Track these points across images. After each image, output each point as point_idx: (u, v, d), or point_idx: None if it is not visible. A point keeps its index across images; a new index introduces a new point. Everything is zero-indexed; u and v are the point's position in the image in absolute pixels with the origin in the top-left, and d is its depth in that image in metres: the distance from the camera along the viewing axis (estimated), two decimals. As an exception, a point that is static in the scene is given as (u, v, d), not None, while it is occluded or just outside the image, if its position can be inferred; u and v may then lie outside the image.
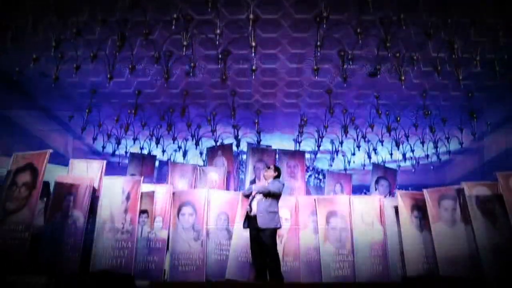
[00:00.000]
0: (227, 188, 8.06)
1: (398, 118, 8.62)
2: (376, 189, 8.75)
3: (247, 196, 5.43)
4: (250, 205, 5.21)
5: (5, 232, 5.49)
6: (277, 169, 5.58)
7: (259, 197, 5.15)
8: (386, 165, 10.38)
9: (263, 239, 5.01)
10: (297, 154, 8.87)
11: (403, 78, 6.47)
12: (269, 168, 5.57)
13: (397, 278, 5.82)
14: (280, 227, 5.31)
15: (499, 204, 5.82)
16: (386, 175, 9.05)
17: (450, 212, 6.10)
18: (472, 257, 5.74)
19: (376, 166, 9.47)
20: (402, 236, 6.16)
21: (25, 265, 5.26)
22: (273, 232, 5.08)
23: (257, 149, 8.85)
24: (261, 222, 4.99)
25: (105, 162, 6.91)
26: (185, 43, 5.85)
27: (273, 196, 5.17)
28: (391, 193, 8.64)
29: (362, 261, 6.04)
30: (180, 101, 8.43)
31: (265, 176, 5.45)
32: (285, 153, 8.84)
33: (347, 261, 6.10)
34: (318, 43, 6.07)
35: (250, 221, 5.20)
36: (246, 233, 5.83)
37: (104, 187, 6.17)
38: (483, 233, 5.72)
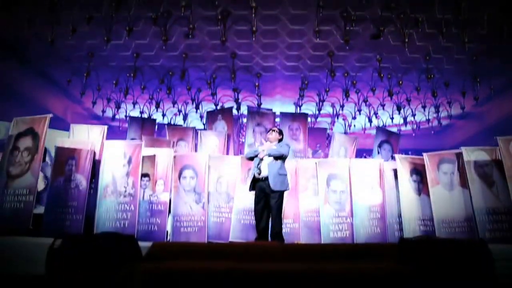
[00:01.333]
0: (227, 152, 8.10)
1: (400, 82, 8.51)
2: (379, 153, 8.74)
3: (251, 158, 5.32)
4: (258, 167, 5.11)
5: (10, 196, 5.58)
6: (281, 132, 5.52)
7: (269, 159, 5.08)
8: (387, 129, 10.34)
9: (271, 201, 4.99)
10: (299, 117, 8.84)
11: (406, 40, 6.34)
12: (273, 130, 5.43)
13: (394, 240, 5.97)
14: (289, 190, 5.33)
15: (497, 169, 5.89)
16: (389, 139, 9.00)
17: (449, 176, 6.18)
18: (468, 220, 5.88)
19: (380, 129, 9.40)
20: (400, 199, 6.27)
21: (30, 228, 5.39)
22: (282, 194, 5.09)
23: (256, 113, 8.81)
24: (274, 185, 4.95)
25: (106, 127, 6.91)
26: (183, 3, 5.69)
27: (283, 158, 5.16)
28: (393, 157, 8.65)
29: (360, 223, 6.18)
30: (179, 64, 8.31)
31: (270, 138, 5.35)
32: (287, 115, 8.80)
33: (346, 223, 6.24)
34: (320, 3, 5.89)
35: (256, 183, 5.16)
36: (247, 196, 5.92)
37: (105, 151, 6.21)
38: (480, 197, 5.84)
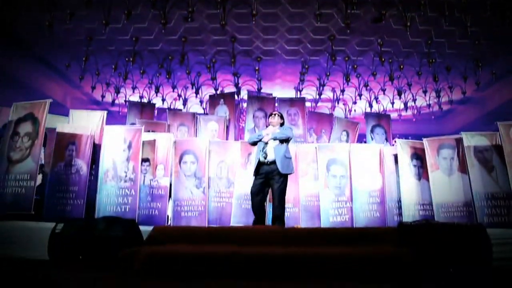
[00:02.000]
0: (227, 137, 8.09)
1: (401, 66, 8.44)
2: (372, 139, 8.67)
3: (254, 143, 5.26)
4: (264, 151, 5.04)
5: (12, 181, 5.60)
6: (282, 116, 5.49)
7: (274, 143, 5.04)
8: (388, 114, 10.29)
9: (275, 185, 4.97)
10: (297, 101, 8.76)
11: (408, 24, 6.26)
12: (275, 114, 5.37)
13: (393, 224, 6.01)
14: (293, 173, 5.31)
15: (497, 154, 5.90)
16: (380, 122, 8.91)
17: (449, 161, 6.19)
18: (467, 204, 5.91)
19: (369, 114, 9.28)
20: (400, 184, 6.30)
21: (32, 212, 5.42)
22: (286, 178, 5.06)
23: (257, 97, 8.77)
24: (282, 168, 4.93)
25: (105, 112, 6.87)
26: (182, -14, 5.60)
27: (287, 141, 5.16)
28: (387, 140, 8.61)
29: (360, 208, 6.22)
30: (179, 48, 8.24)
31: (272, 122, 5.27)
32: (284, 101, 8.74)
33: (346, 208, 6.28)
34: (322, -14, 5.81)
35: (260, 168, 5.06)
36: (247, 181, 5.95)
37: (105, 136, 6.19)
38: (479, 182, 5.86)
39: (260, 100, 8.61)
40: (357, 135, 8.56)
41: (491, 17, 6.39)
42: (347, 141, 8.23)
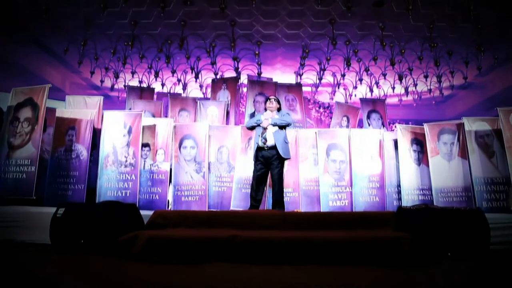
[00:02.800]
0: (227, 122, 8.07)
1: (403, 51, 8.37)
2: (369, 125, 8.63)
3: (252, 128, 5.31)
4: (264, 137, 5.08)
5: (13, 166, 5.62)
6: (279, 101, 5.49)
7: (273, 129, 5.08)
8: (388, 99, 10.24)
9: (274, 170, 5.05)
10: (294, 87, 8.70)
11: (410, 7, 6.18)
12: (273, 99, 5.38)
13: (393, 209, 6.05)
14: (290, 158, 5.39)
15: (498, 139, 5.90)
16: (375, 107, 8.82)
17: (449, 146, 6.19)
18: (466, 189, 5.93)
19: (363, 100, 9.14)
20: (400, 169, 6.31)
21: (33, 198, 5.46)
22: (284, 163, 5.16)
23: (257, 82, 8.71)
24: (283, 153, 5.01)
25: (102, 97, 6.86)
26: (181, -32, 5.51)
27: (286, 127, 5.19)
28: (383, 125, 8.58)
29: (359, 192, 6.25)
30: (178, 32, 8.15)
31: (271, 108, 5.30)
32: (282, 86, 8.69)
33: (345, 192, 6.31)
34: (323, -31, 5.72)
35: (259, 153, 5.12)
36: (248, 165, 5.97)
37: (105, 121, 6.18)
38: (479, 167, 5.88)
39: (261, 85, 8.56)
40: (358, 121, 8.53)
41: (494, 1, 6.30)
42: (347, 126, 8.20)
